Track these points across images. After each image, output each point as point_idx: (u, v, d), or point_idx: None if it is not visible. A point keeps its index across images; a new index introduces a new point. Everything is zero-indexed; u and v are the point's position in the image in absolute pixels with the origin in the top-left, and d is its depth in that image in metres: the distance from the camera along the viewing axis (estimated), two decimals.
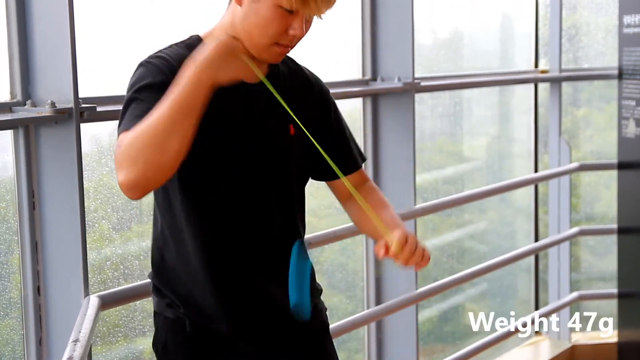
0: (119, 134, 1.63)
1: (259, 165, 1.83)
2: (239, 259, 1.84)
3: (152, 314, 1.93)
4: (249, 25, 1.74)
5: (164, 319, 1.87)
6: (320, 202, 3.37)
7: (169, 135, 1.53)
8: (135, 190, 1.56)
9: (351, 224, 2.06)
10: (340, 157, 1.92)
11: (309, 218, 1.99)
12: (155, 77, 1.69)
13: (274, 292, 1.87)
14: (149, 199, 1.88)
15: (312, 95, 1.93)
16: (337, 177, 1.88)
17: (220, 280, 1.83)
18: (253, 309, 1.86)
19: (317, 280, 1.98)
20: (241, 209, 1.82)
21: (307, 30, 1.76)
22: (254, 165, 1.83)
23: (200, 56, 1.57)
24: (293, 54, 1.85)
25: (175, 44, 1.81)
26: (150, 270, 1.92)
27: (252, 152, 1.82)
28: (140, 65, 1.74)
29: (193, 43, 1.79)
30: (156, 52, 1.77)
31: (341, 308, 3.53)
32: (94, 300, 2.05)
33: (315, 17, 1.75)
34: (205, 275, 1.82)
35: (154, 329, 1.93)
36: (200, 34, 1.85)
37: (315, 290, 1.97)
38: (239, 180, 1.80)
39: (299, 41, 1.77)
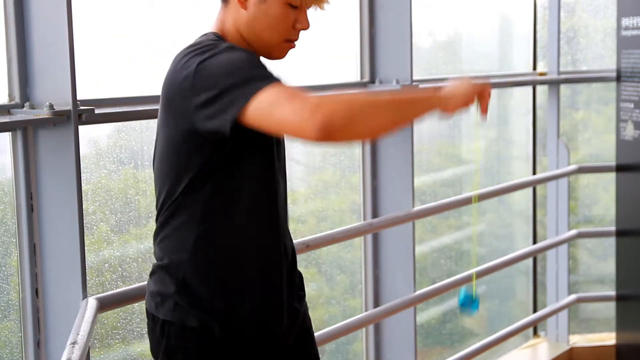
0: (259, 86, 1.61)
1: (279, 175, 1.89)
2: (274, 262, 1.88)
3: (152, 321, 1.86)
4: (258, 27, 1.79)
5: (180, 327, 1.81)
6: (318, 205, 3.37)
7: (389, 117, 1.69)
8: (326, 134, 1.57)
9: (350, 225, 2.07)
10: None
11: (308, 219, 2.00)
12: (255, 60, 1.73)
13: (289, 296, 1.92)
14: (148, 202, 1.86)
15: None
16: None
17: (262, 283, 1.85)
18: (280, 312, 1.89)
19: (316, 281, 1.99)
20: (279, 203, 1.88)
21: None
22: (277, 176, 1.88)
23: (457, 95, 1.81)
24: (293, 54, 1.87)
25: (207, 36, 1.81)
26: (151, 276, 1.88)
27: (279, 161, 1.88)
28: (228, 48, 1.72)
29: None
30: (215, 43, 1.75)
31: (339, 310, 3.53)
32: (92, 303, 2.04)
33: (314, 9, 1.82)
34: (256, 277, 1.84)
35: (154, 337, 1.86)
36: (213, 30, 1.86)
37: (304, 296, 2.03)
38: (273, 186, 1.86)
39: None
